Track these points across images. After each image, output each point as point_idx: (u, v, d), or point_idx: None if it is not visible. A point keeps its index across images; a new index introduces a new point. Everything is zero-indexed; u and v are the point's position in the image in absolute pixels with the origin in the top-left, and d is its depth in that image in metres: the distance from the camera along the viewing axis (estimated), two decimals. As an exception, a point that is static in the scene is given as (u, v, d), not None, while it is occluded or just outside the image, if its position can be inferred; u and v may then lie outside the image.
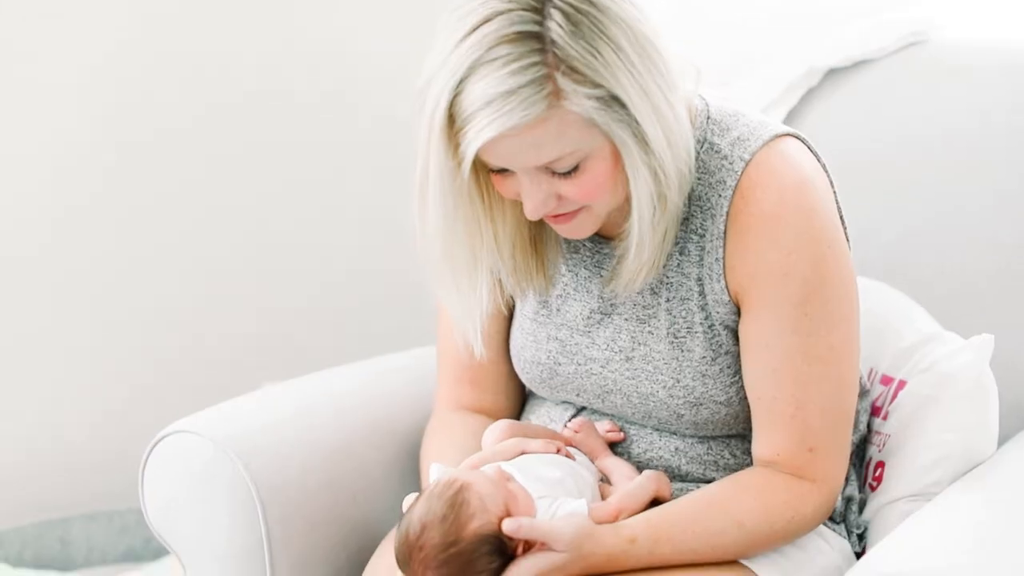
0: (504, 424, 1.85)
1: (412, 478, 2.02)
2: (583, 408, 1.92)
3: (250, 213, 2.78)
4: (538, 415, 1.96)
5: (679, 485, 1.85)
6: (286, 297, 2.85)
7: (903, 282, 2.18)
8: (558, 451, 1.80)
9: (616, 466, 1.82)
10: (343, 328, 2.85)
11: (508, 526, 1.62)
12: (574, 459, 1.82)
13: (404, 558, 1.62)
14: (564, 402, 1.94)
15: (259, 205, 2.78)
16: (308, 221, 2.83)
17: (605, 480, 1.83)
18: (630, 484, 1.75)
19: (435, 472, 1.75)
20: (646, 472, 1.78)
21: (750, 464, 1.84)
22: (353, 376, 2.18)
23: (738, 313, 1.77)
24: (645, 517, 1.71)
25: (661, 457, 1.85)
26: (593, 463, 1.84)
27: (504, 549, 1.63)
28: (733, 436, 1.86)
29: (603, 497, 1.79)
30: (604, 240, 1.83)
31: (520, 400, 2.04)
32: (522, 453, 1.80)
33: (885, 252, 2.23)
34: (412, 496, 1.73)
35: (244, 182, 2.75)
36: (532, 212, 1.69)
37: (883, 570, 1.50)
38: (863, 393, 1.96)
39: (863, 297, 1.84)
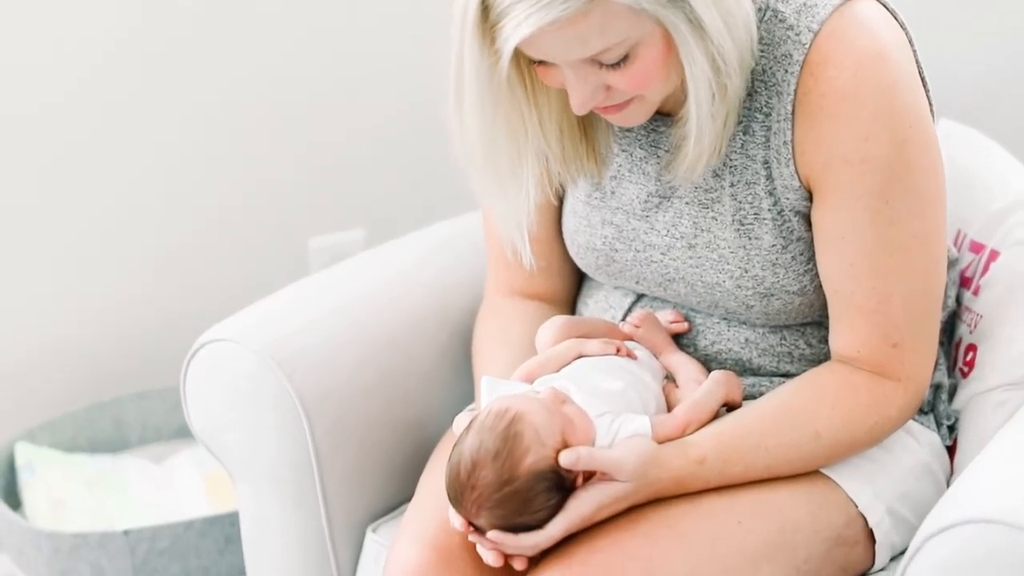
0: (558, 322, 1.71)
1: (467, 369, 1.89)
2: (644, 295, 1.77)
3: (284, 82, 2.63)
4: (596, 300, 1.82)
5: (751, 380, 1.71)
6: (328, 156, 2.70)
7: (987, 129, 2.00)
8: (617, 351, 1.66)
9: (682, 364, 1.69)
10: (389, 197, 2.70)
11: (566, 459, 1.49)
12: (635, 357, 1.68)
13: (456, 496, 1.51)
14: (623, 287, 1.79)
15: (291, 71, 2.63)
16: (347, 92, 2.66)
17: (670, 378, 1.70)
18: (697, 392, 1.62)
19: (486, 388, 1.62)
20: (714, 376, 1.64)
21: (828, 355, 1.69)
22: (393, 258, 2.03)
23: (810, 199, 1.60)
24: (714, 434, 1.58)
25: (730, 350, 1.71)
26: (657, 359, 1.70)
27: (563, 483, 1.51)
28: (809, 324, 1.71)
29: (668, 401, 1.66)
30: (660, 116, 1.66)
31: (575, 284, 1.89)
32: (579, 357, 1.66)
33: (966, 93, 2.04)
34: (464, 417, 1.61)
35: (274, 48, 2.59)
36: (579, 107, 1.54)
37: (971, 513, 1.36)
38: (951, 263, 1.80)
39: (946, 143, 1.67)
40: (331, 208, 2.74)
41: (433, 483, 1.69)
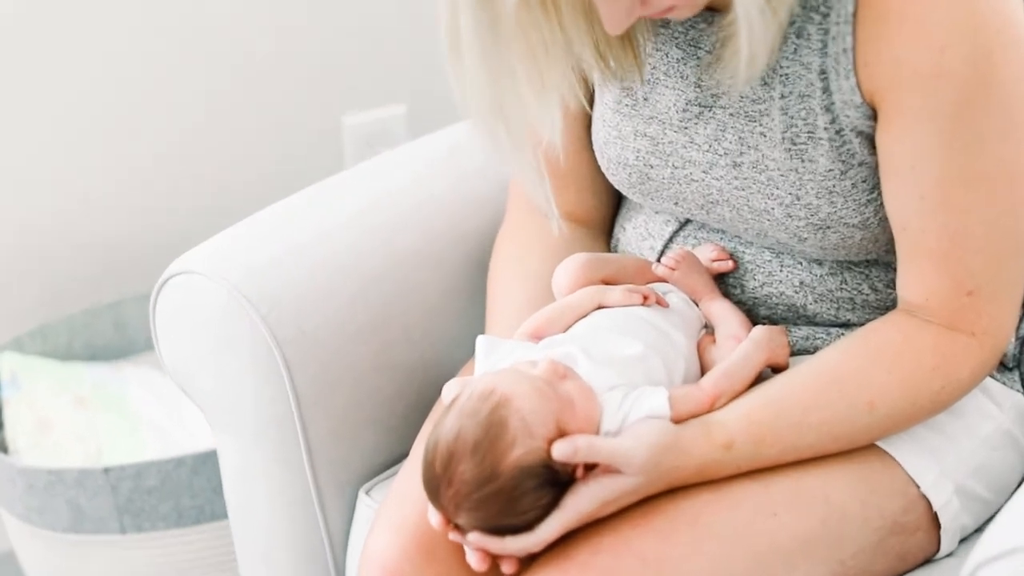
0: (579, 263, 1.46)
1: (483, 296, 1.63)
2: (688, 221, 1.52)
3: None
4: (635, 225, 1.58)
5: (804, 331, 1.47)
6: (365, 22, 2.42)
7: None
8: (645, 300, 1.41)
9: (723, 315, 1.44)
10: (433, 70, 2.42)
11: (560, 451, 1.25)
12: (666, 305, 1.43)
13: (432, 491, 1.27)
14: (664, 211, 1.54)
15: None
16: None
17: (709, 327, 1.44)
18: (731, 357, 1.36)
19: (481, 351, 1.39)
20: (754, 336, 1.38)
21: (894, 302, 1.44)
22: (395, 167, 1.76)
23: (875, 118, 1.34)
24: (745, 412, 1.33)
25: (782, 294, 1.46)
26: (696, 306, 1.45)
27: (557, 478, 1.27)
28: (874, 264, 1.45)
29: (702, 359, 1.41)
30: (701, 11, 1.38)
31: (611, 203, 1.65)
32: (599, 307, 1.42)
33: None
34: (454, 386, 1.36)
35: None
36: (614, 27, 1.29)
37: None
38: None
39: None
40: (367, 81, 2.46)
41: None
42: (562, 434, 1.26)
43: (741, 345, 1.37)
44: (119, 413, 2.11)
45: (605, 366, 1.33)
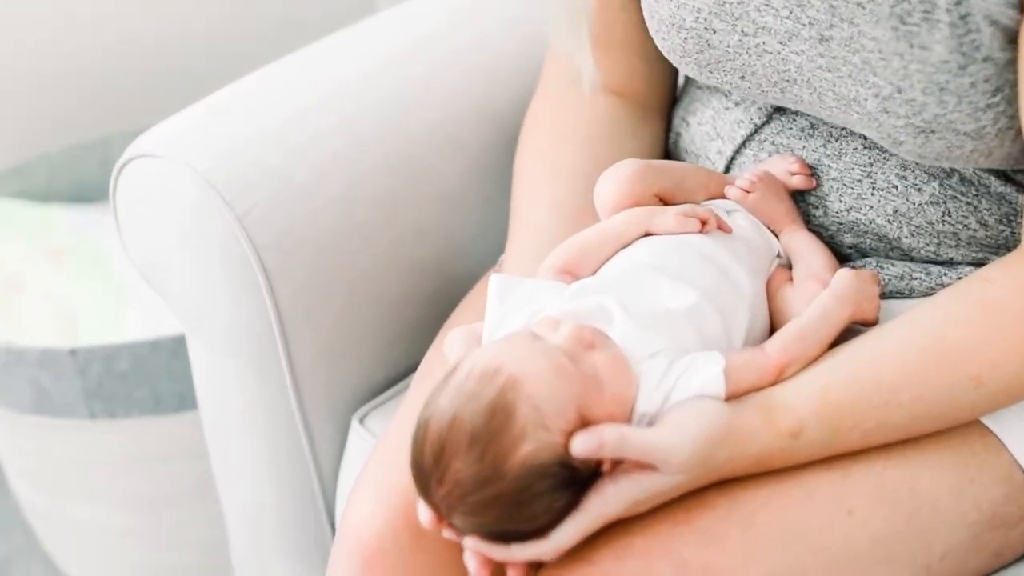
0: (630, 171, 1.18)
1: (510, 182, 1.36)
2: (766, 123, 1.24)
3: None
4: (700, 120, 1.30)
5: (898, 269, 1.20)
6: None
7: None
8: (703, 226, 1.14)
9: (805, 251, 1.17)
10: None
11: (581, 447, 0.99)
12: (729, 230, 1.16)
13: (421, 485, 1.02)
14: (738, 104, 1.27)
15: None
16: None
17: (785, 261, 1.19)
18: (807, 316, 1.10)
19: (494, 295, 1.12)
20: (839, 285, 1.11)
21: (1008, 240, 1.18)
22: (408, 24, 1.46)
23: (1021, 8, 1.05)
24: (820, 388, 1.06)
25: (872, 221, 1.19)
26: (775, 240, 1.20)
27: (576, 476, 1.02)
28: (983, 194, 1.18)
29: (773, 304, 1.14)
30: None
31: (668, 76, 1.36)
32: (646, 235, 1.15)
33: None
34: (459, 337, 1.11)
35: None
36: None
37: None
38: None
39: None
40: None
41: (434, 380, 1.20)
42: (585, 422, 1.01)
43: (820, 297, 1.11)
44: (99, 276, 1.86)
45: (646, 325, 1.07)
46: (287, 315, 1.30)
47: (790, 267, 1.18)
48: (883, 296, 1.18)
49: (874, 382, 1.06)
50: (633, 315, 1.07)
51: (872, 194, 1.18)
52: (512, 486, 0.99)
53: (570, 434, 0.99)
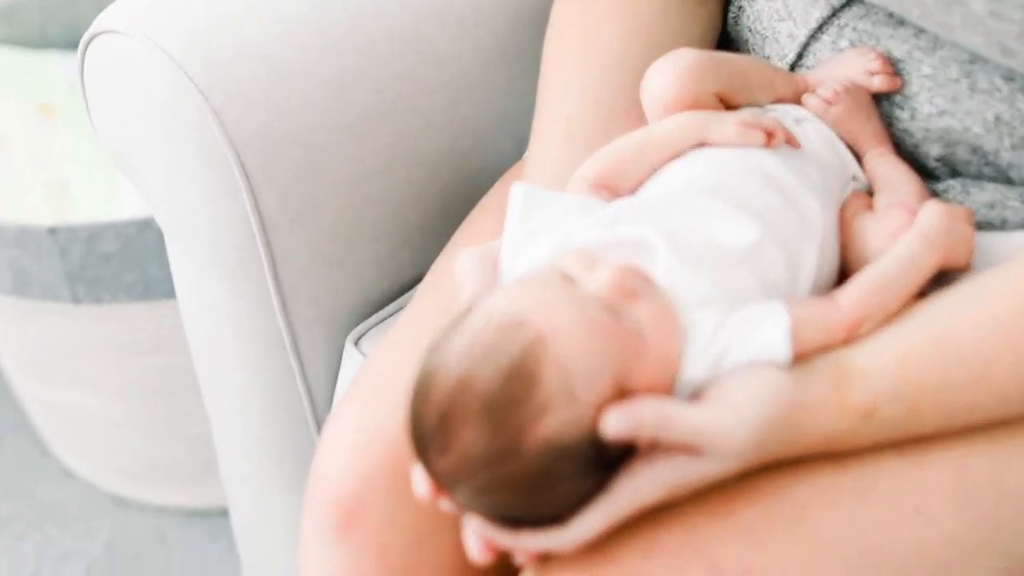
0: (686, 62, 0.99)
1: (539, 66, 1.15)
2: (845, 5, 1.04)
3: None
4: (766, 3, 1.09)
5: (990, 193, 1.00)
6: None
7: None
8: (769, 139, 0.95)
9: (893, 175, 0.99)
10: None
11: (616, 427, 0.81)
12: (798, 146, 0.96)
13: (420, 450, 0.85)
14: None
15: None
16: None
17: (863, 186, 1.00)
18: (888, 261, 0.90)
19: (516, 208, 0.94)
20: (929, 219, 0.92)
21: None
22: None
23: None
24: (899, 355, 0.87)
25: (967, 129, 0.99)
26: (856, 157, 1.00)
27: (606, 457, 0.84)
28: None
29: (847, 238, 0.95)
30: None
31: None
32: (701, 145, 0.96)
33: None
34: (471, 260, 0.92)
35: None
36: None
37: None
38: None
39: None
40: None
41: (437, 299, 1.03)
42: (620, 392, 0.83)
43: (905, 238, 0.91)
44: (93, 139, 1.67)
45: (697, 266, 0.88)
46: (271, 222, 1.12)
47: (869, 193, 0.98)
48: (971, 228, 0.98)
49: (963, 352, 0.87)
50: (681, 252, 0.88)
51: (971, 96, 0.98)
52: (529, 466, 0.81)
53: (602, 407, 0.81)
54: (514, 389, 0.81)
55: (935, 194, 1.00)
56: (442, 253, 1.13)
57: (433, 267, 1.11)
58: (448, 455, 0.82)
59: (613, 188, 0.95)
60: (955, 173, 1.01)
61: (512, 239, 0.92)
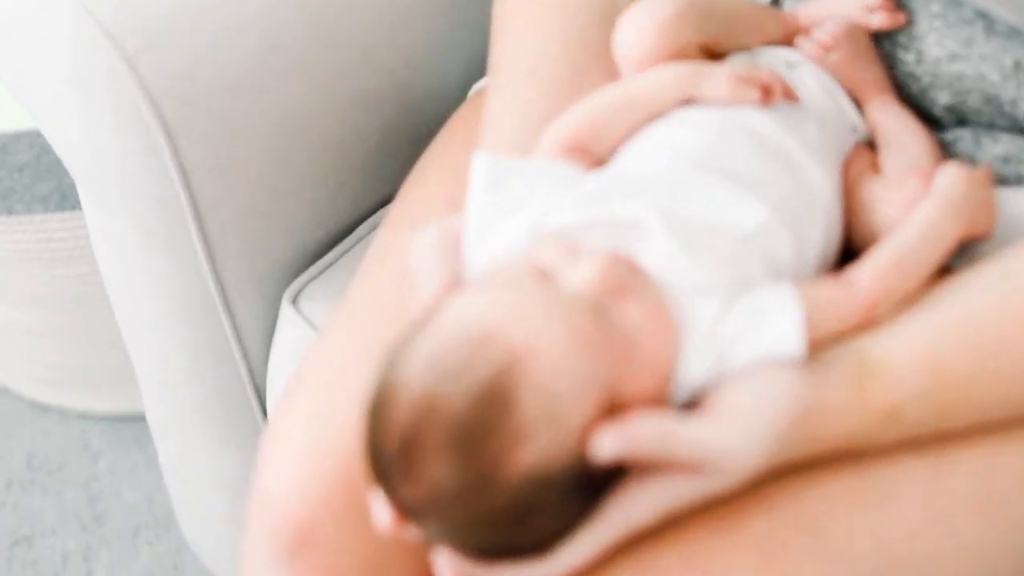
0: (663, 12, 0.87)
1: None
2: None
3: None
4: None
5: (1004, 145, 0.90)
6: None
7: None
8: (767, 96, 0.84)
9: (898, 130, 0.88)
10: None
11: (608, 449, 0.72)
12: (795, 99, 0.86)
13: (381, 478, 0.74)
14: None
15: None
16: None
17: (864, 137, 0.89)
18: (906, 233, 0.80)
19: (481, 180, 0.82)
20: (949, 182, 0.82)
21: None
22: None
23: None
24: (928, 355, 0.78)
25: (982, 76, 0.88)
26: (856, 108, 0.89)
27: (594, 481, 0.74)
28: None
29: (851, 202, 0.85)
30: None
31: None
32: (687, 102, 0.85)
33: None
34: (428, 242, 0.81)
35: None
36: None
37: None
38: None
39: None
40: None
41: (389, 275, 0.92)
42: (611, 406, 0.73)
43: (923, 207, 0.81)
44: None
45: (696, 249, 0.78)
46: (194, 174, 1.00)
47: (871, 145, 0.88)
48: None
49: (997, 342, 0.78)
50: (678, 233, 0.78)
51: (988, 38, 0.87)
52: (507, 500, 0.72)
53: (591, 428, 0.72)
54: (487, 414, 0.71)
55: (942, 145, 0.90)
56: (390, 216, 1.00)
57: (382, 228, 0.99)
58: (413, 486, 0.72)
59: (590, 152, 0.85)
60: (962, 122, 0.91)
61: (477, 218, 0.81)
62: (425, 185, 0.99)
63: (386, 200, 1.09)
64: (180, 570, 1.50)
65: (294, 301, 1.06)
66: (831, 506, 0.79)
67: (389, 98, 1.06)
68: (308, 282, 1.07)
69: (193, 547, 1.24)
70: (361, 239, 1.08)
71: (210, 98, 0.98)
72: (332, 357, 0.90)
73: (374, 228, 1.08)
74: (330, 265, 1.08)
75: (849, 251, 0.85)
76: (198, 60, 0.97)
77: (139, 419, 1.64)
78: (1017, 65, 0.87)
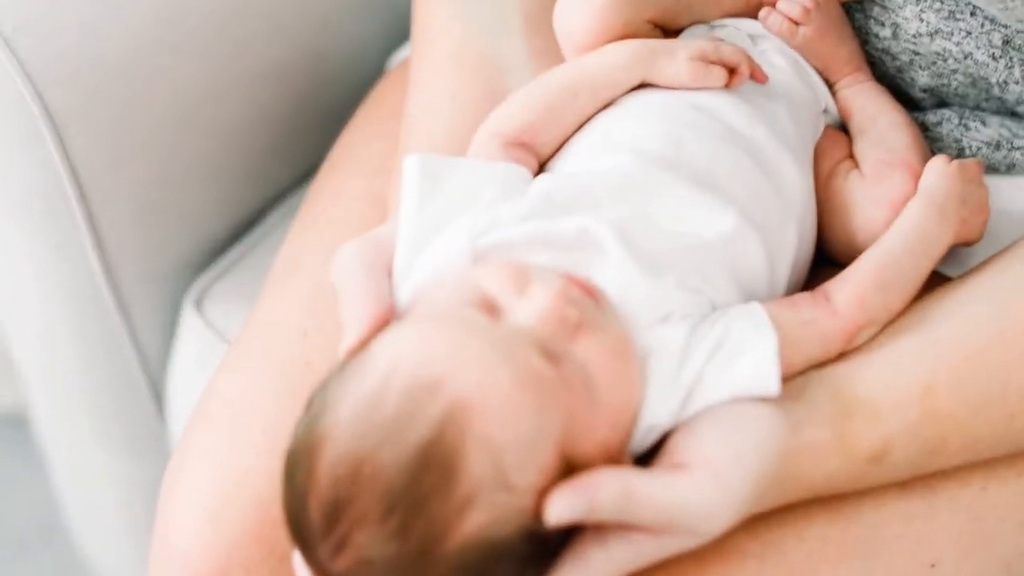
0: None
1: None
2: None
3: None
4: None
5: (993, 128, 0.81)
6: None
7: None
8: (732, 79, 0.74)
9: (875, 114, 0.79)
10: None
11: (563, 513, 0.62)
12: (763, 80, 0.76)
13: (303, 548, 0.65)
14: None
15: None
16: None
17: (835, 120, 0.80)
18: (889, 243, 0.72)
19: (413, 184, 0.71)
20: (935, 180, 0.74)
21: None
22: None
23: None
24: (919, 393, 0.69)
25: (967, 55, 0.79)
26: (827, 87, 0.80)
27: (548, 544, 0.65)
28: None
29: (823, 194, 0.76)
30: None
31: None
32: (643, 86, 0.75)
33: None
34: (350, 258, 0.70)
35: None
36: None
37: None
38: None
39: None
40: None
41: (303, 290, 0.81)
42: (567, 462, 0.63)
43: (911, 211, 0.73)
44: None
45: (658, 267, 0.68)
46: (85, 168, 0.90)
47: (843, 129, 0.79)
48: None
49: (1000, 384, 0.69)
50: (637, 249, 0.68)
51: (974, 13, 0.78)
52: (450, 570, 0.62)
53: (545, 489, 0.62)
54: (426, 479, 0.62)
55: (924, 128, 0.81)
56: (304, 211, 0.89)
57: (294, 230, 0.88)
58: (341, 556, 0.63)
59: (533, 147, 0.75)
60: (945, 103, 0.82)
61: (409, 230, 0.71)
62: (340, 180, 0.88)
63: (299, 182, 0.99)
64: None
65: (199, 304, 0.95)
66: (810, 553, 0.70)
67: (300, 71, 0.96)
68: (214, 282, 0.97)
69: (88, 559, 1.15)
70: (273, 230, 0.98)
71: (103, 85, 0.88)
72: (240, 386, 0.80)
73: (287, 216, 0.97)
74: (237, 262, 0.98)
75: (820, 252, 0.76)
76: (83, 40, 0.87)
77: (23, 421, 1.51)
78: (1007, 43, 0.77)
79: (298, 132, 0.97)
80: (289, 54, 0.95)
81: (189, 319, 0.95)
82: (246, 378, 0.80)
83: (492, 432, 0.61)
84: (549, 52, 0.80)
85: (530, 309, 0.64)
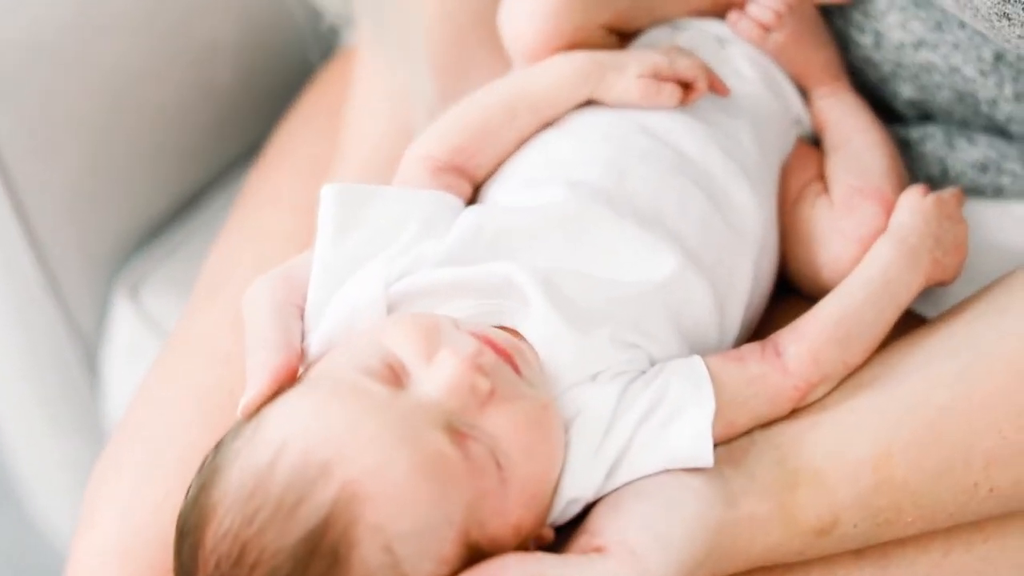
0: None
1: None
2: None
3: None
4: None
5: (981, 149, 0.75)
6: None
7: None
8: (687, 95, 0.68)
9: (845, 130, 0.73)
10: None
11: None
12: (726, 93, 0.70)
13: None
14: None
15: None
16: None
17: (808, 131, 0.74)
18: (851, 290, 0.66)
19: (330, 217, 0.66)
20: (909, 216, 0.68)
21: None
22: None
23: None
24: (873, 461, 0.64)
25: (954, 70, 0.73)
26: (802, 95, 0.74)
27: None
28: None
29: (787, 223, 0.71)
30: None
31: None
32: (590, 103, 0.69)
33: None
34: (260, 295, 0.65)
35: None
36: None
37: None
38: None
39: None
40: None
41: (227, 296, 0.77)
42: (471, 549, 0.59)
43: (878, 253, 0.67)
44: None
45: (587, 321, 0.63)
46: (11, 153, 0.85)
47: (816, 143, 0.72)
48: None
49: (963, 450, 0.63)
50: (563, 301, 0.62)
51: (961, 26, 0.71)
52: None
53: None
54: (314, 569, 0.57)
55: (906, 145, 0.74)
56: (235, 217, 0.83)
57: (226, 234, 0.83)
58: None
59: (468, 170, 0.69)
60: (929, 117, 0.75)
61: (323, 270, 0.65)
62: (276, 181, 0.82)
63: (245, 157, 0.93)
64: (24, 547, 1.32)
65: (134, 292, 0.89)
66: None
67: (245, 47, 0.89)
68: (152, 269, 0.91)
69: (39, 524, 1.11)
70: (214, 217, 0.92)
71: (29, 66, 0.84)
72: (156, 419, 0.75)
73: (230, 201, 0.91)
74: (177, 249, 0.93)
75: (783, 279, 0.70)
76: (13, 22, 0.80)
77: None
78: (999, 59, 0.70)
79: (240, 110, 0.92)
80: (232, 29, 0.89)
81: (122, 308, 0.89)
82: (161, 411, 0.74)
83: (384, 521, 0.56)
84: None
85: (437, 379, 0.59)
